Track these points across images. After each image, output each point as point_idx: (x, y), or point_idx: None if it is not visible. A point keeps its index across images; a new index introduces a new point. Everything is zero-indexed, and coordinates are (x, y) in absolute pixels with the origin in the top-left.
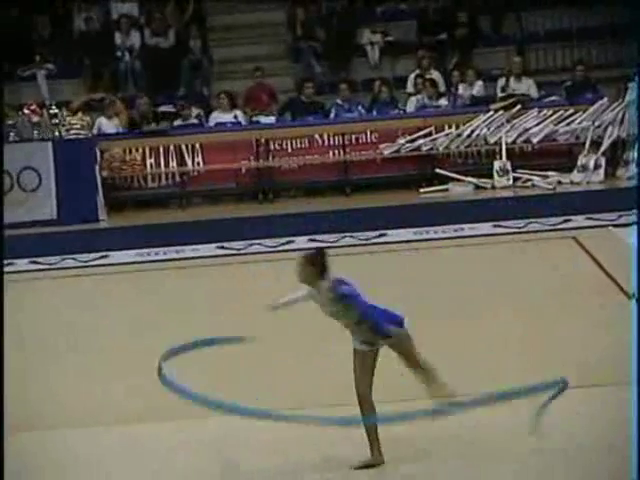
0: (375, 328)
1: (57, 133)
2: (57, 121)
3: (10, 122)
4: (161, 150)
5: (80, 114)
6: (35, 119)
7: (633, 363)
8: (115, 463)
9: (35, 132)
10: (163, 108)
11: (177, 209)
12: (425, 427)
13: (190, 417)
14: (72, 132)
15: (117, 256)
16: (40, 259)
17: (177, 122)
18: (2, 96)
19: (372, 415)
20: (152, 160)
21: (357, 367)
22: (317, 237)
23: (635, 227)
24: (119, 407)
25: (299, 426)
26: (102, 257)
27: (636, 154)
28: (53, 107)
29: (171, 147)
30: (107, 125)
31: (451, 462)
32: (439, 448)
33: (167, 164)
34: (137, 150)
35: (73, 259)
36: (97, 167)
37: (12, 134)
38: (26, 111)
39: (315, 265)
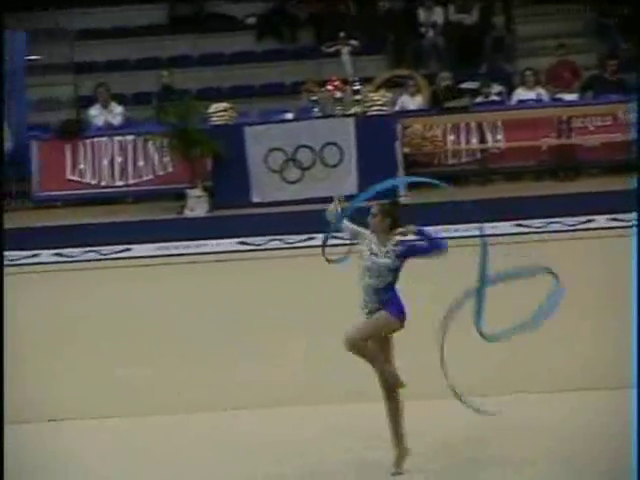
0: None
1: (359, 109)
2: (359, 97)
3: (314, 98)
4: (462, 127)
5: (382, 90)
6: (338, 95)
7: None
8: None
9: (338, 108)
10: (465, 85)
11: (477, 186)
12: None
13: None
14: (374, 108)
15: None
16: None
17: (478, 99)
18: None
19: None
20: (453, 137)
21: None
22: (618, 216)
23: None
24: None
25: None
26: None
27: None
28: (356, 83)
29: (472, 124)
30: (409, 102)
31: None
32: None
33: (468, 141)
34: (438, 127)
35: None
36: (398, 144)
37: (316, 110)
38: (329, 87)
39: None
